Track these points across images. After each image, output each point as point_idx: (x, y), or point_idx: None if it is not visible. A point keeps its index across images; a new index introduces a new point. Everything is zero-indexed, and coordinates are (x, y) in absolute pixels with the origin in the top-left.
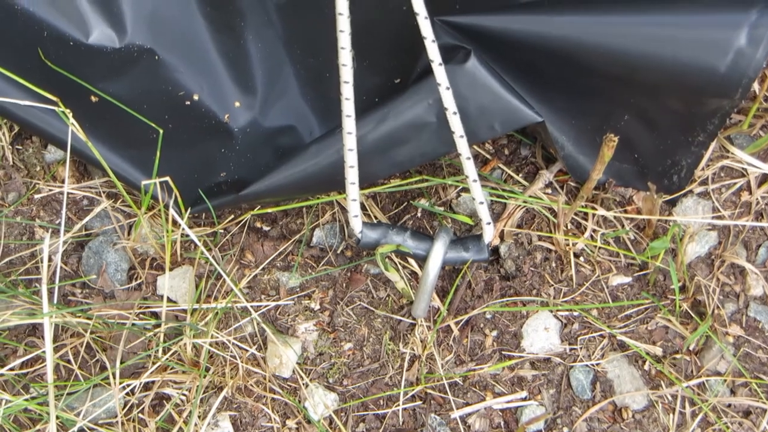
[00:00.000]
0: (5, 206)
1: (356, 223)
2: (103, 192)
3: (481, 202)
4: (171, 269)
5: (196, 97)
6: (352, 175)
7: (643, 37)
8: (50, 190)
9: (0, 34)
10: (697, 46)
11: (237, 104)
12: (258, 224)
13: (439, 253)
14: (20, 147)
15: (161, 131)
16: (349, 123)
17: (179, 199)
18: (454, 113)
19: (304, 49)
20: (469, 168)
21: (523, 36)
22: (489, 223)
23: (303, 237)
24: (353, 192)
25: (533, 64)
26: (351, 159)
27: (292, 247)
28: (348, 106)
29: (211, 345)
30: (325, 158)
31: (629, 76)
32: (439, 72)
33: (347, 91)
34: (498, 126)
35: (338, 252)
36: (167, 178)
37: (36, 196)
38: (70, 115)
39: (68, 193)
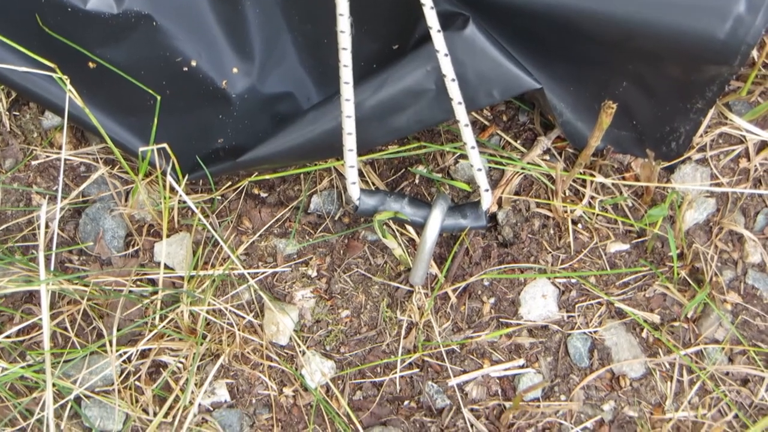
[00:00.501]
0: (2, 173)
1: (354, 190)
2: (101, 158)
3: (479, 169)
4: (168, 236)
5: (193, 64)
6: (350, 141)
7: (642, 4)
8: (47, 157)
9: None
10: (696, 12)
11: (235, 71)
12: (255, 191)
13: (436, 219)
14: (17, 113)
15: (158, 98)
16: (347, 90)
17: (177, 166)
18: (453, 80)
19: (302, 15)
20: (467, 135)
21: (520, 2)
22: (487, 190)
23: (300, 204)
24: (351, 159)
25: (531, 31)
26: (349, 126)
27: (290, 214)
28: (346, 73)
29: (208, 313)
30: (322, 125)
31: (627, 43)
32: (438, 39)
33: (345, 59)
34: (497, 93)
35: (336, 219)
36: (164, 145)
37: (33, 163)
38: (68, 81)
39: (65, 160)
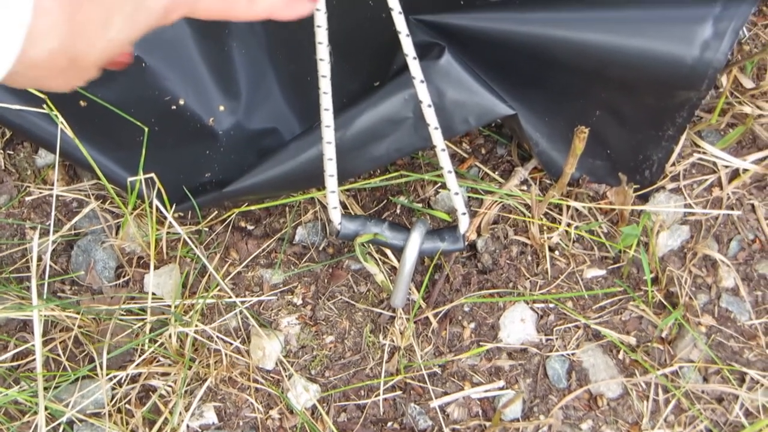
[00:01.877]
0: None
1: (335, 215)
2: (92, 194)
3: (456, 193)
4: (157, 267)
5: (181, 102)
6: (330, 167)
7: (612, 32)
8: (41, 193)
9: None
10: (664, 39)
11: (221, 108)
12: (242, 223)
13: (415, 242)
14: (12, 152)
15: (146, 129)
16: (327, 116)
17: (165, 197)
18: (429, 106)
19: (286, 55)
20: (444, 159)
21: (494, 33)
22: (464, 214)
23: (286, 235)
24: (332, 184)
25: (506, 61)
26: (329, 151)
27: (275, 245)
28: (326, 100)
29: (196, 335)
30: (304, 155)
31: (599, 71)
32: (414, 65)
33: (325, 86)
34: (472, 119)
35: (320, 249)
36: (152, 175)
37: (27, 199)
38: (59, 116)
39: (58, 196)
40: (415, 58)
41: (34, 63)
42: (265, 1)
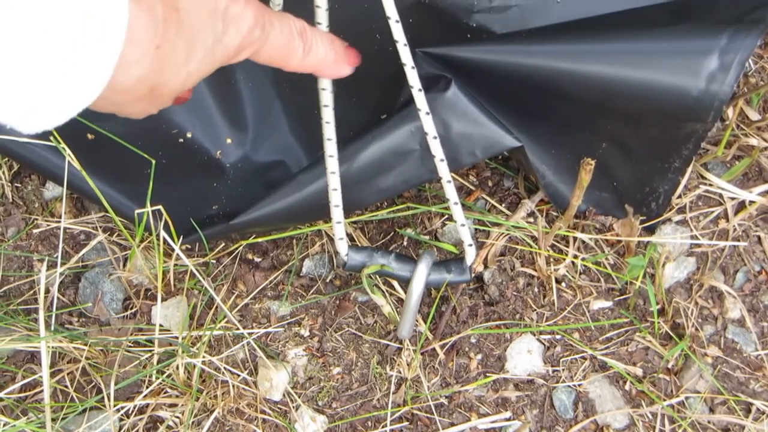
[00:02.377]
0: (5, 241)
1: (341, 246)
2: (100, 226)
3: (462, 225)
4: (165, 299)
5: (189, 135)
6: (335, 197)
7: (617, 64)
8: (48, 225)
9: None
10: (670, 71)
11: (229, 141)
12: (249, 256)
13: (422, 273)
14: (19, 185)
15: (153, 162)
16: (330, 146)
17: (172, 229)
18: (435, 138)
19: (293, 87)
20: (450, 191)
21: (500, 65)
22: (470, 245)
23: (293, 267)
24: (338, 215)
25: (512, 93)
26: (334, 182)
27: (283, 277)
28: (329, 130)
29: (203, 369)
30: (311, 186)
31: (605, 103)
32: (419, 97)
33: (327, 115)
34: (479, 152)
35: (327, 281)
36: (159, 207)
37: (35, 231)
38: (66, 148)
39: (65, 228)
40: (420, 90)
41: (122, 89)
42: (317, 56)
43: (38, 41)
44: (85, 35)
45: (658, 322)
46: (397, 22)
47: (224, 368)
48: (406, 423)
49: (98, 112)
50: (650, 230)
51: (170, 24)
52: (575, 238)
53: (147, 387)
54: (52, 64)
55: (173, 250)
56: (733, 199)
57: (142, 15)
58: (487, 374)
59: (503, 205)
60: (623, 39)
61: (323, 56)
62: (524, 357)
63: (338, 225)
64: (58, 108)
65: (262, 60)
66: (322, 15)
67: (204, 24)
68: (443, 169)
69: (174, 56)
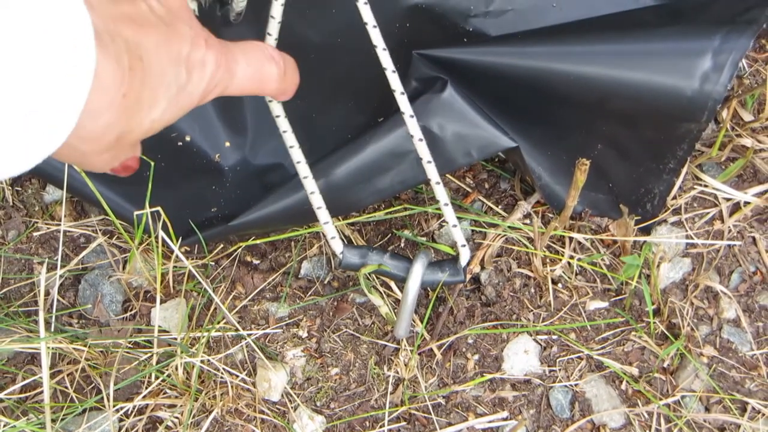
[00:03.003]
0: (5, 244)
1: (336, 245)
2: (100, 229)
3: (454, 225)
4: (164, 301)
5: (188, 138)
6: (316, 200)
7: (612, 65)
8: (48, 228)
9: None
10: (664, 71)
11: (227, 144)
12: (248, 258)
13: (418, 272)
14: (20, 189)
15: (152, 163)
16: (296, 153)
17: (171, 231)
18: (420, 140)
19: None
20: (440, 192)
21: (496, 67)
22: (464, 246)
23: (291, 269)
24: (324, 216)
25: (509, 95)
26: (310, 186)
27: (281, 279)
28: (289, 138)
29: (202, 370)
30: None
31: (600, 104)
32: (402, 100)
33: (290, 140)
34: (475, 152)
35: (325, 283)
36: (158, 208)
37: (35, 234)
38: None
39: (65, 231)
40: (402, 94)
41: (91, 137)
42: (293, 79)
43: (4, 85)
44: (52, 80)
45: (654, 322)
46: (375, 27)
47: (223, 369)
48: (403, 423)
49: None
50: (646, 231)
51: (135, 73)
52: (571, 239)
53: (146, 387)
54: (17, 109)
55: (172, 252)
56: (728, 200)
57: (109, 63)
58: (484, 374)
59: (500, 206)
60: (618, 40)
61: (296, 78)
62: (521, 357)
63: (327, 225)
64: (22, 155)
65: (234, 93)
66: (273, 26)
67: (167, 73)
68: (431, 171)
69: (139, 105)
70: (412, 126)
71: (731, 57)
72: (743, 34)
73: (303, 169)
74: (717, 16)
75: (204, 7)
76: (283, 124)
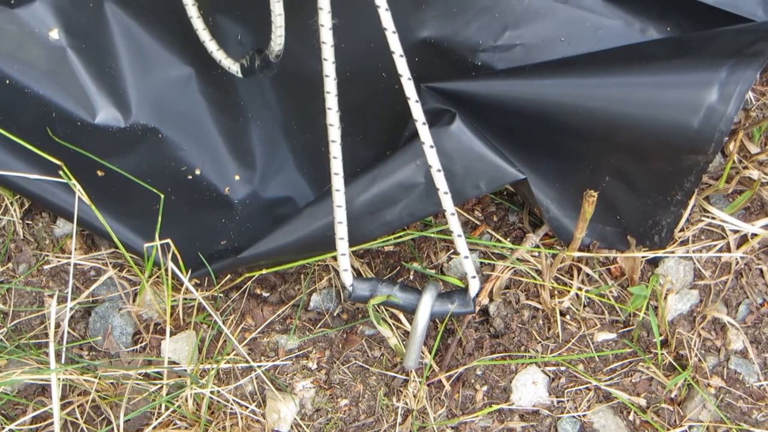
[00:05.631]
0: (16, 277)
1: (347, 277)
2: (110, 262)
3: (466, 257)
4: (174, 334)
5: (198, 172)
6: (341, 230)
7: (620, 98)
8: (59, 262)
9: (11, 115)
10: (671, 104)
11: (237, 178)
12: (258, 290)
13: (427, 303)
14: (30, 222)
15: (162, 196)
16: (337, 180)
17: (181, 263)
18: (438, 170)
19: (300, 125)
20: (454, 223)
21: (504, 100)
22: (474, 277)
23: (301, 301)
24: (343, 247)
25: (516, 127)
26: (340, 215)
27: (291, 311)
28: (336, 164)
29: (211, 401)
30: (317, 220)
31: (608, 137)
32: (423, 131)
33: (335, 150)
34: (483, 185)
35: (334, 315)
36: (168, 240)
37: (45, 267)
38: (76, 183)
39: (76, 264)
40: (424, 124)
41: None
42: None
43: None
44: None
45: (662, 354)
46: (402, 56)
47: (233, 400)
48: None
49: (108, 148)
50: (653, 263)
51: None
52: (579, 271)
53: (156, 419)
54: None
55: (182, 284)
56: (735, 232)
57: None
58: (493, 405)
59: (508, 239)
60: (625, 73)
61: None
62: (529, 388)
63: (343, 257)
64: None
65: None
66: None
67: None
68: (447, 202)
69: None
70: (432, 157)
71: (738, 89)
72: (750, 66)
73: (338, 197)
74: (723, 48)
75: (246, 66)
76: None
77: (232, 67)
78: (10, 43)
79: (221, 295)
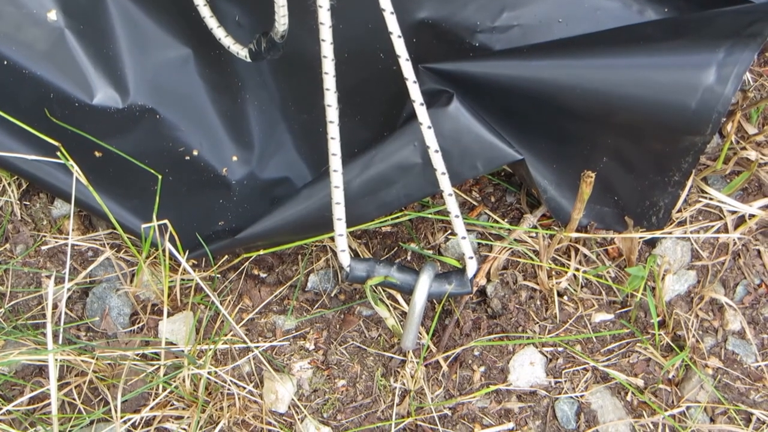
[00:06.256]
0: (13, 257)
1: (344, 258)
2: (107, 243)
3: (463, 237)
4: (171, 314)
5: (195, 153)
6: (338, 211)
7: (617, 79)
8: (56, 242)
9: (10, 96)
10: (669, 85)
11: (235, 159)
12: (255, 271)
13: (425, 283)
14: (28, 203)
15: (160, 176)
16: (335, 161)
17: (178, 243)
18: (436, 151)
19: (298, 106)
20: (451, 204)
21: (502, 80)
22: (471, 257)
23: (298, 282)
24: (340, 227)
25: (514, 108)
26: (337, 196)
27: (288, 292)
28: (333, 145)
29: (209, 382)
30: (315, 201)
31: (605, 117)
32: (421, 111)
33: (333, 131)
34: (480, 165)
35: (332, 296)
36: (165, 221)
37: (43, 248)
38: (74, 164)
39: (73, 245)
40: (422, 104)
41: None
42: None
43: None
44: None
45: (659, 334)
46: (399, 37)
47: (230, 380)
48: None
49: (105, 128)
50: (651, 244)
51: None
52: (577, 252)
53: (154, 399)
54: None
55: (179, 265)
56: (733, 213)
57: None
58: (490, 386)
59: (506, 220)
60: (623, 54)
61: None
62: (527, 369)
63: (341, 237)
64: None
65: None
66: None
67: None
68: (445, 183)
69: None
70: (430, 137)
71: (735, 70)
72: (747, 47)
73: (336, 177)
74: (721, 29)
75: (254, 51)
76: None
77: (241, 52)
78: (9, 24)
79: (218, 275)
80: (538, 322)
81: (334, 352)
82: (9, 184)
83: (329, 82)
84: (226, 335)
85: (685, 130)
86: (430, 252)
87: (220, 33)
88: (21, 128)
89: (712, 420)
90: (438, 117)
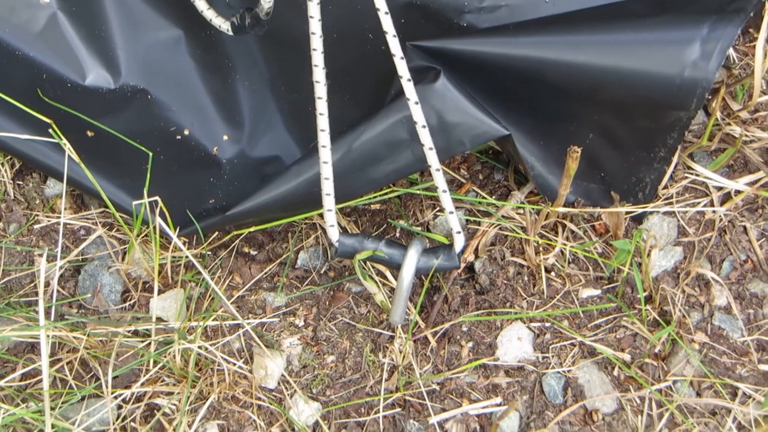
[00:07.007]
0: (6, 236)
1: (333, 233)
2: (99, 221)
3: (451, 212)
4: (162, 292)
5: (186, 132)
6: (327, 186)
7: (603, 55)
8: (49, 221)
9: (2, 77)
10: (653, 60)
11: (225, 138)
12: (245, 249)
13: (413, 258)
14: (21, 182)
15: (151, 154)
16: (323, 137)
17: (169, 221)
18: (423, 126)
19: (288, 85)
20: (439, 179)
21: (488, 57)
22: (459, 232)
23: (288, 259)
24: (329, 203)
25: (501, 85)
26: (326, 171)
27: (278, 269)
28: (322, 121)
29: (199, 357)
30: (304, 177)
31: (591, 94)
32: (408, 87)
33: (321, 107)
34: (467, 141)
35: (321, 273)
36: (156, 198)
37: (36, 227)
38: (66, 142)
39: (66, 223)
40: (409, 80)
41: None
42: None
43: None
44: None
45: (646, 309)
46: (387, 13)
47: (220, 356)
48: (398, 409)
49: (98, 109)
50: (637, 220)
51: None
52: (564, 228)
53: (144, 375)
54: None
55: (170, 243)
56: (719, 189)
57: None
58: (478, 361)
59: (493, 196)
60: (608, 30)
61: None
62: (514, 344)
63: (329, 213)
64: None
65: None
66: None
67: None
68: (432, 158)
69: None
70: (417, 113)
71: (719, 45)
72: (731, 22)
73: (324, 153)
74: (705, 5)
75: (237, 24)
76: (320, 89)
77: (223, 25)
78: (1, 5)
79: (209, 253)
80: (525, 298)
81: (324, 328)
82: (2, 163)
83: (317, 58)
84: (216, 311)
85: (670, 105)
86: (419, 229)
87: (202, 5)
88: (14, 108)
89: (698, 394)
90: (425, 93)
